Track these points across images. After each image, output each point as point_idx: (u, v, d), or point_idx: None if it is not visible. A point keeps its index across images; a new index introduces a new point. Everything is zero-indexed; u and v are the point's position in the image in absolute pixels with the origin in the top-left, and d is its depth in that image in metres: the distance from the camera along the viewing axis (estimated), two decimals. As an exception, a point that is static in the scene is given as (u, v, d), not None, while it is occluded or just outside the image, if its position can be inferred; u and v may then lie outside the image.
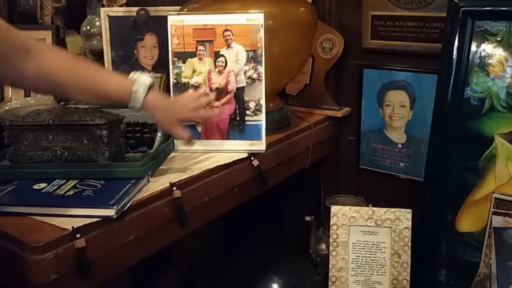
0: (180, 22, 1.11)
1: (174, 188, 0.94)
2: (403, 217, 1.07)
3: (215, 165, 1.05)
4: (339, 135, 1.48)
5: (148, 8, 1.44)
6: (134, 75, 0.93)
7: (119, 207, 0.82)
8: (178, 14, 1.15)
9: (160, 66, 1.44)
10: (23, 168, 0.95)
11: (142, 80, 0.93)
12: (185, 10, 1.23)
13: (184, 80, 1.13)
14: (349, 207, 1.09)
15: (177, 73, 1.13)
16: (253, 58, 1.11)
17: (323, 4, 1.39)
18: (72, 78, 0.87)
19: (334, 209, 1.09)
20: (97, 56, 1.64)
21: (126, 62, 1.47)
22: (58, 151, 0.93)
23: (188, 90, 1.09)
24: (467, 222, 1.13)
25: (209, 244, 1.67)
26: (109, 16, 1.45)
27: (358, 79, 1.39)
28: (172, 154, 1.11)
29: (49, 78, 0.85)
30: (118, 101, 0.94)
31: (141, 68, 1.46)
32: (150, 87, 0.94)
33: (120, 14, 1.47)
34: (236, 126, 1.13)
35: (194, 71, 1.13)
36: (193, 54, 1.12)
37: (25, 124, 0.94)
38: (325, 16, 1.40)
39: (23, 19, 1.88)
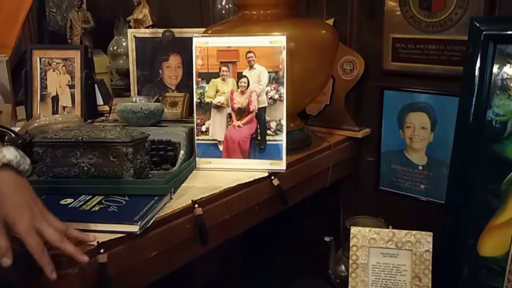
0: (205, 44, 1.15)
1: (196, 206, 0.95)
2: (424, 240, 1.06)
3: (236, 184, 1.06)
4: (359, 156, 1.48)
5: (174, 30, 1.49)
6: (4, 147, 0.76)
7: (143, 223, 0.84)
8: (203, 36, 1.18)
9: (184, 86, 1.47)
10: (51, 183, 0.98)
11: (2, 153, 0.74)
12: (209, 32, 1.27)
13: (207, 100, 1.15)
14: (369, 228, 1.08)
15: (200, 93, 1.16)
16: (275, 79, 1.13)
17: (344, 27, 1.42)
18: None
19: (354, 230, 1.09)
20: (123, 75, 1.69)
21: (151, 82, 1.51)
22: (85, 167, 0.96)
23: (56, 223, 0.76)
24: (489, 247, 1.11)
25: (227, 261, 1.68)
26: (135, 37, 1.50)
27: (378, 101, 1.40)
28: (194, 172, 1.13)
29: None
30: None
31: (165, 88, 1.50)
32: (8, 165, 0.74)
33: (147, 35, 1.51)
34: (257, 146, 1.15)
35: (217, 91, 1.15)
36: (216, 75, 1.15)
37: (54, 141, 0.98)
38: (346, 38, 1.42)
39: (52, 39, 1.96)
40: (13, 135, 1.09)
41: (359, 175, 1.50)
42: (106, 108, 1.58)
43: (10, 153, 0.75)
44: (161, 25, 1.64)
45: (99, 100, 1.61)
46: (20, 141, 1.08)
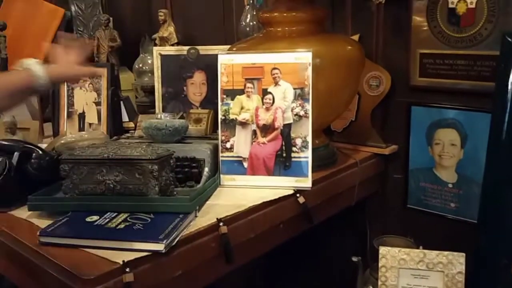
0: (230, 61, 1.15)
1: (221, 224, 0.94)
2: (456, 261, 1.02)
3: (261, 202, 1.05)
4: (386, 173, 1.45)
5: (198, 47, 1.50)
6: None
7: (168, 241, 0.83)
8: (228, 53, 1.18)
9: (208, 102, 1.47)
10: (77, 200, 0.98)
11: (27, 60, 1.05)
12: (234, 49, 1.27)
13: (232, 116, 1.15)
14: (399, 248, 1.05)
15: (225, 110, 1.15)
16: (300, 95, 1.12)
17: (370, 42, 1.40)
18: None
19: (382, 250, 1.05)
20: (148, 92, 1.70)
21: (176, 98, 1.52)
22: (111, 185, 0.96)
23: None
24: (525, 269, 1.06)
25: (251, 279, 1.65)
26: (161, 55, 1.51)
27: (405, 117, 1.37)
28: (218, 189, 1.12)
29: None
30: (25, 89, 0.98)
31: (190, 104, 1.50)
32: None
33: (172, 52, 1.53)
34: (282, 163, 1.13)
35: (242, 108, 1.15)
36: (241, 92, 1.15)
37: (80, 158, 0.98)
38: (372, 53, 1.40)
39: (80, 57, 1.99)
40: (40, 152, 1.10)
41: (386, 192, 1.46)
42: (132, 124, 1.60)
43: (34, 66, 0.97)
44: (186, 43, 1.66)
45: (125, 117, 1.63)
46: (47, 158, 1.09)
